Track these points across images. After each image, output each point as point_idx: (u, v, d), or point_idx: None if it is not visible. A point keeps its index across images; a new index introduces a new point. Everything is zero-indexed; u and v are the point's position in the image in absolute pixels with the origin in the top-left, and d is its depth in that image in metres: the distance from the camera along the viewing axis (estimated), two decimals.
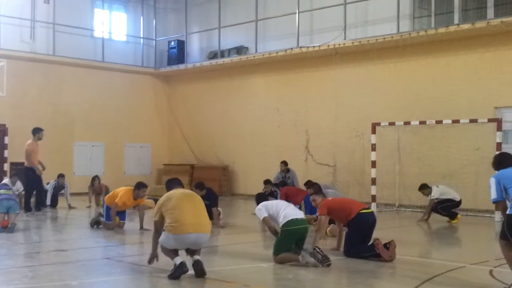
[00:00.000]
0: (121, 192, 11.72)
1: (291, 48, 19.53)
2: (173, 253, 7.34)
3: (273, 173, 17.81)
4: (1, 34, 20.05)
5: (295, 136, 20.12)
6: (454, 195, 13.80)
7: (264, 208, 8.73)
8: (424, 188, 14.16)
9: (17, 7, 20.76)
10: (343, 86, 18.96)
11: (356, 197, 14.62)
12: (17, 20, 20.69)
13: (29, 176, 15.13)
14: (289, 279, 7.46)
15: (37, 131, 15.52)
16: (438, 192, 13.75)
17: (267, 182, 15.85)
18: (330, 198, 9.60)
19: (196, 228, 7.25)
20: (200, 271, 7.28)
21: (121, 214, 12.06)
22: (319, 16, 19.66)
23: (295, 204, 11.42)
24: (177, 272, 7.22)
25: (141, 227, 11.65)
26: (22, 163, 16.00)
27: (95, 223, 12.20)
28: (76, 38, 22.20)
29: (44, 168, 15.41)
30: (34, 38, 21.25)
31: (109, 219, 11.80)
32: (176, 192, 7.62)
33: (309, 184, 13.08)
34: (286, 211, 8.50)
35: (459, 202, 13.78)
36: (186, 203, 7.41)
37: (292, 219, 8.33)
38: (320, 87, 19.71)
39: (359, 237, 8.81)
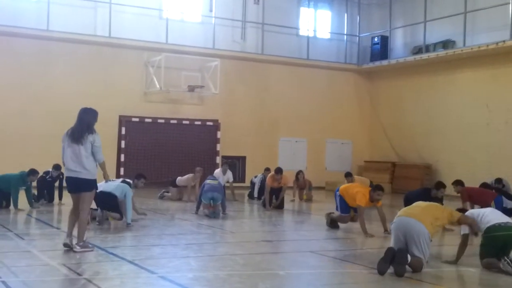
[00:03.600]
0: (359, 194, 11.01)
1: (503, 41, 18.41)
2: None
3: (481, 172, 16.94)
4: (216, 35, 21.57)
5: (506, 135, 18.91)
6: None
7: (469, 215, 8.27)
8: None
9: (229, 9, 22.21)
10: None
11: None
12: (230, 21, 22.11)
13: None
14: (497, 286, 7.12)
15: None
16: None
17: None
18: None
19: (407, 214, 7.83)
20: (397, 266, 7.19)
21: None
22: None
23: (482, 206, 10.72)
24: (386, 254, 7.29)
25: (385, 230, 10.89)
26: (233, 156, 16.81)
27: (331, 223, 11.60)
28: (283, 37, 23.12)
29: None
30: (244, 38, 22.55)
31: (344, 212, 11.40)
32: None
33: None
34: (490, 216, 8.05)
35: None
36: (416, 203, 8.28)
37: (494, 225, 7.87)
38: None
39: None
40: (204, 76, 21.03)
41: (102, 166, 8.47)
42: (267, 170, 16.99)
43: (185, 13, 21.92)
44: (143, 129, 20.45)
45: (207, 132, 21.43)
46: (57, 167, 14.21)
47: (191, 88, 20.58)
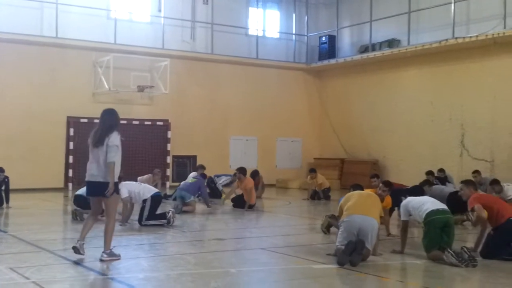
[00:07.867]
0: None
1: (446, 39, 18.92)
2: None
3: (426, 167, 17.40)
4: (165, 35, 21.48)
5: (450, 131, 19.49)
6: None
7: (404, 209, 8.57)
8: (495, 184, 13.27)
9: (178, 9, 22.14)
10: (502, 78, 18.05)
11: None
12: (179, 21, 22.04)
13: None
14: (442, 277, 7.38)
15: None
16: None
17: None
18: (481, 193, 9.02)
19: (362, 211, 8.05)
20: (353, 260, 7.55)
21: None
22: (476, 4, 18.86)
23: None
24: (347, 247, 7.65)
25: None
26: (184, 156, 16.69)
27: (327, 227, 10.48)
28: (232, 37, 23.20)
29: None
30: (194, 37, 22.52)
31: None
32: (355, 192, 8.78)
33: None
34: (427, 205, 8.34)
35: None
36: (359, 197, 8.42)
37: (432, 210, 8.20)
38: (476, 80, 18.91)
39: (503, 243, 8.27)
40: (153, 76, 20.92)
41: (110, 166, 8.14)
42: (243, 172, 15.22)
43: (133, 13, 21.74)
44: (92, 130, 20.09)
45: (157, 132, 21.32)
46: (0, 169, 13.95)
47: (141, 88, 20.43)
